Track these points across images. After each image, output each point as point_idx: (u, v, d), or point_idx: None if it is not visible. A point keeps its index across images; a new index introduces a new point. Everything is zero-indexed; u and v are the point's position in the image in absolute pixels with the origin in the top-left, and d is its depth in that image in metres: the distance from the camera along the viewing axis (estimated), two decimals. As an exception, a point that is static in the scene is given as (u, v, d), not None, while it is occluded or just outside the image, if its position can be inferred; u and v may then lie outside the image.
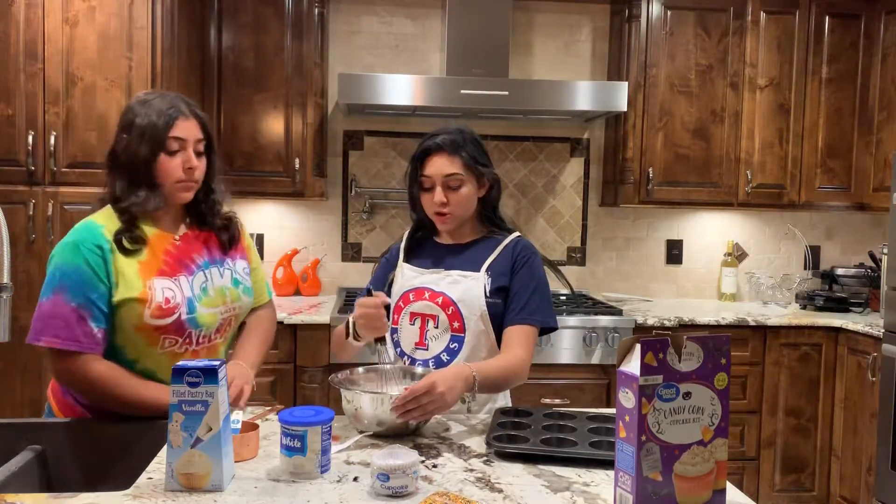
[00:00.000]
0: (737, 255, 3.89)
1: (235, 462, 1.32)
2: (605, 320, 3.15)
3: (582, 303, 3.40)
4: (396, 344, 1.83)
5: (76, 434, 1.57)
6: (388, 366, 1.72)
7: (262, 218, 3.67)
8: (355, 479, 1.29)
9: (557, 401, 3.10)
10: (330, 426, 1.33)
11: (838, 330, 3.29)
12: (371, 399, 1.50)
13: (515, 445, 1.44)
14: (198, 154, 1.62)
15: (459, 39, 3.36)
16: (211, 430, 1.22)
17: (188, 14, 3.07)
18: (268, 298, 1.90)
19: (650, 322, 3.19)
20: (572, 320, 3.12)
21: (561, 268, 3.71)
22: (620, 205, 3.56)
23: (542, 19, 3.74)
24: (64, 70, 2.79)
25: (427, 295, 1.79)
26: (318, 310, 3.20)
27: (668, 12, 3.46)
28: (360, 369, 1.70)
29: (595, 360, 3.14)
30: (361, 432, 1.52)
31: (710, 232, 3.91)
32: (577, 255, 3.85)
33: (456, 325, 1.76)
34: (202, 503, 1.19)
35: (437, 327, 1.77)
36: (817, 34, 3.54)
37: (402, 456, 1.23)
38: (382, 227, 3.73)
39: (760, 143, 3.54)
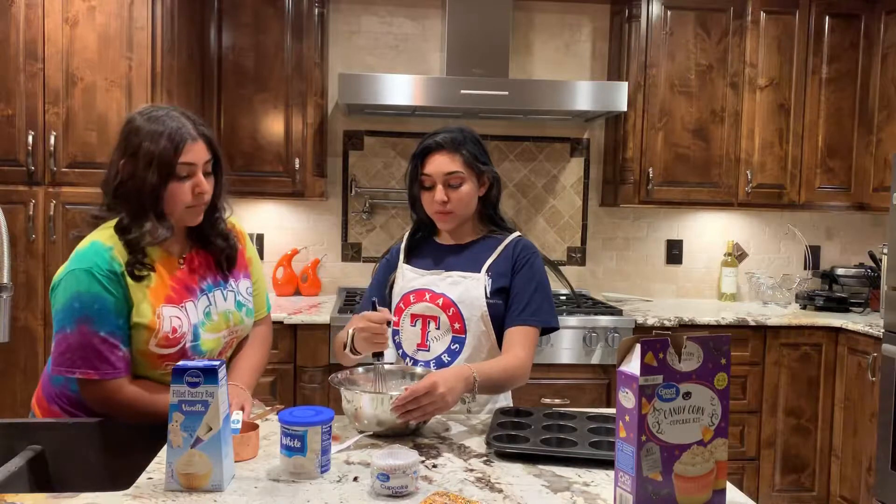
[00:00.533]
0: (737, 255, 3.89)
1: (235, 462, 1.33)
2: (605, 320, 3.15)
3: (582, 303, 3.40)
4: (398, 345, 1.83)
5: (76, 434, 1.57)
6: (389, 365, 1.72)
7: (262, 218, 3.67)
8: (355, 479, 1.29)
9: (557, 401, 3.10)
10: (330, 426, 1.33)
11: (838, 330, 3.29)
12: (371, 399, 1.50)
13: (515, 445, 1.44)
14: (206, 175, 1.58)
15: (459, 39, 3.36)
16: (211, 430, 1.22)
17: (188, 14, 3.07)
18: (266, 313, 1.87)
19: (650, 322, 3.19)
20: (572, 320, 3.12)
21: (561, 268, 3.71)
22: (620, 205, 3.56)
23: (542, 19, 3.74)
24: (64, 70, 2.79)
25: (428, 296, 1.79)
26: (318, 310, 3.20)
27: (668, 12, 3.46)
28: (360, 369, 1.70)
29: (595, 360, 3.14)
30: (361, 432, 1.52)
31: (710, 232, 3.91)
32: (577, 255, 3.85)
33: (457, 326, 1.76)
34: (202, 503, 1.19)
35: (438, 328, 1.77)
36: (817, 34, 3.54)
37: (402, 456, 1.23)
38: (382, 227, 3.73)
39: (760, 143, 3.54)
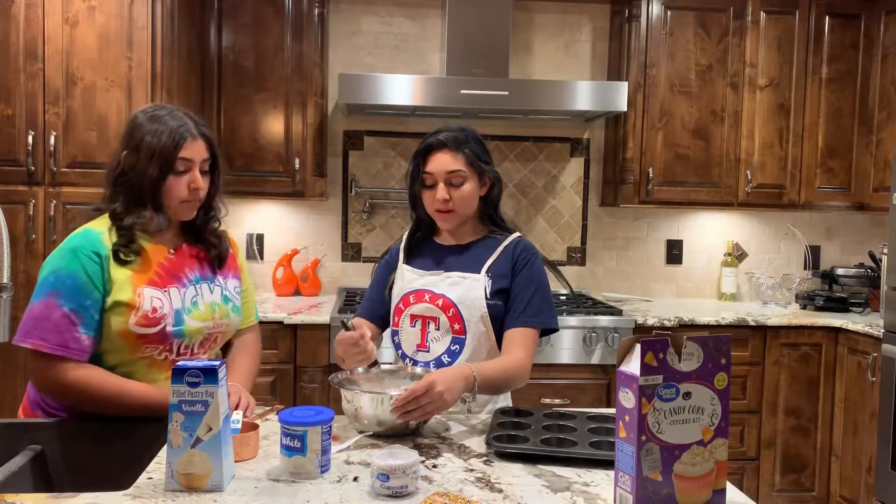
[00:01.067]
0: (737, 255, 3.89)
1: (235, 462, 1.33)
2: (605, 320, 3.15)
3: (582, 303, 3.40)
4: (398, 346, 1.83)
5: (76, 434, 1.57)
6: (388, 365, 1.72)
7: (262, 218, 3.67)
8: (355, 479, 1.29)
9: (557, 401, 3.10)
10: (330, 426, 1.33)
11: (838, 330, 3.29)
12: (371, 399, 1.50)
13: (515, 445, 1.44)
14: (202, 173, 1.64)
15: (459, 39, 3.36)
16: (211, 430, 1.22)
17: (188, 14, 3.07)
18: (255, 321, 1.89)
19: (650, 322, 3.19)
20: (572, 320, 3.12)
21: (561, 268, 3.70)
22: (620, 205, 3.56)
23: (542, 19, 3.74)
24: (64, 70, 2.79)
25: (427, 297, 1.78)
26: (318, 310, 3.20)
27: (668, 12, 3.46)
28: (360, 369, 1.70)
29: (595, 360, 3.14)
30: (361, 432, 1.52)
31: (710, 232, 3.91)
32: (577, 255, 3.85)
33: (457, 326, 1.76)
34: (202, 503, 1.19)
35: (437, 329, 1.77)
36: (817, 34, 3.54)
37: (402, 456, 1.23)
38: (382, 227, 3.73)
39: (760, 143, 3.54)
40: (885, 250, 3.10)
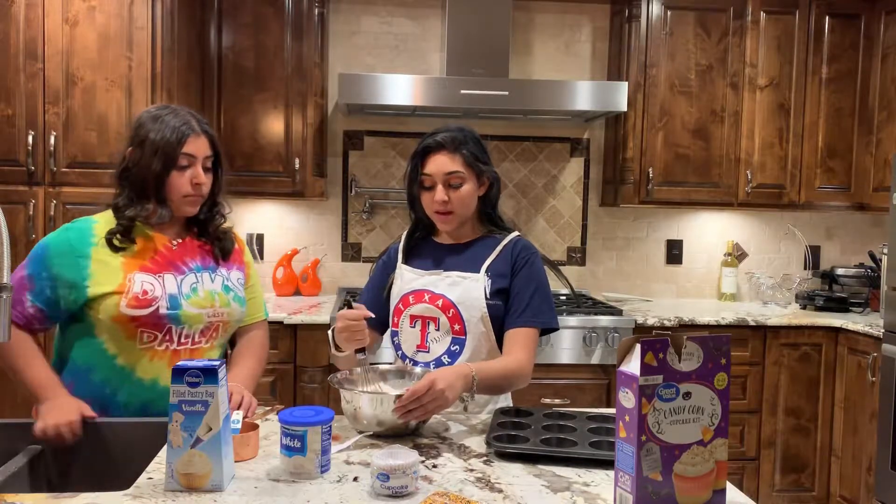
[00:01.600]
0: (737, 255, 3.90)
1: (235, 462, 1.33)
2: (605, 320, 3.15)
3: (582, 303, 3.40)
4: (397, 347, 1.83)
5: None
6: (386, 365, 1.72)
7: (262, 218, 3.67)
8: (355, 479, 1.29)
9: (557, 401, 3.10)
10: (330, 426, 1.33)
11: (838, 330, 3.29)
12: (370, 399, 1.50)
13: (515, 445, 1.44)
14: (205, 170, 1.68)
15: (459, 39, 3.36)
16: (211, 430, 1.22)
17: (188, 14, 3.07)
18: (263, 317, 1.90)
19: (650, 322, 3.19)
20: (572, 320, 3.12)
21: (562, 267, 3.70)
22: (620, 205, 3.56)
23: (542, 19, 3.74)
24: (64, 70, 2.79)
25: (427, 297, 1.78)
26: (318, 310, 3.20)
27: (668, 12, 3.46)
28: (359, 369, 1.70)
29: (595, 360, 3.14)
30: (361, 432, 1.52)
31: (710, 232, 3.91)
32: (577, 255, 3.85)
33: (457, 327, 1.76)
34: (202, 503, 1.19)
35: (437, 330, 1.77)
36: (817, 34, 3.54)
37: (402, 456, 1.23)
38: (382, 227, 3.73)
39: (760, 143, 3.54)
40: (885, 250, 3.10)
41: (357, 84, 3.16)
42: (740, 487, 3.04)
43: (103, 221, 1.65)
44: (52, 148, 2.80)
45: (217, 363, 1.24)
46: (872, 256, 3.66)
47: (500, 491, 1.26)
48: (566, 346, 3.12)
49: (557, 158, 3.80)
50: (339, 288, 3.72)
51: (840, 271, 3.73)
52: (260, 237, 3.68)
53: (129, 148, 1.66)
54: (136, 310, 1.59)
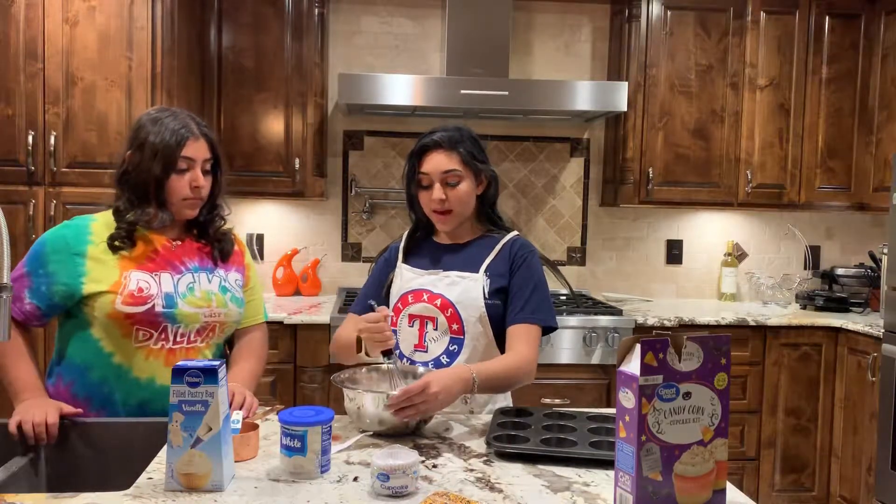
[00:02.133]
0: (737, 255, 3.89)
1: (235, 462, 1.33)
2: (605, 320, 3.15)
3: (582, 303, 3.40)
4: (396, 346, 1.83)
5: (76, 434, 1.57)
6: (389, 366, 1.72)
7: (262, 218, 3.67)
8: (355, 479, 1.29)
9: (557, 401, 3.10)
10: (330, 426, 1.33)
11: (838, 330, 3.29)
12: (373, 398, 1.51)
13: (515, 445, 1.44)
14: (204, 172, 1.69)
15: (459, 39, 3.36)
16: (211, 430, 1.22)
17: (188, 14, 3.07)
18: (262, 319, 1.90)
19: (650, 322, 3.19)
20: (572, 320, 3.12)
21: (562, 268, 3.70)
22: (620, 205, 3.56)
23: (542, 19, 3.74)
24: (64, 70, 2.79)
25: (426, 297, 1.78)
26: (318, 310, 3.20)
27: (668, 12, 3.46)
28: (363, 369, 1.71)
29: (595, 360, 3.14)
30: (363, 431, 1.53)
31: (710, 232, 3.91)
32: (577, 255, 3.85)
33: (455, 327, 1.76)
34: (202, 503, 1.19)
35: (436, 329, 1.77)
36: (817, 34, 3.54)
37: (402, 456, 1.23)
38: (382, 227, 3.73)
39: (760, 143, 3.54)
40: (885, 250, 3.10)
41: (357, 84, 3.16)
42: (740, 487, 3.04)
43: (102, 220, 1.66)
44: (52, 148, 2.80)
45: (217, 363, 1.24)
46: (872, 256, 3.66)
47: (500, 491, 1.26)
48: (566, 346, 3.12)
49: (557, 158, 3.80)
50: (339, 288, 3.72)
51: (840, 271, 3.73)
52: (260, 237, 3.68)
53: (128, 151, 1.67)
54: (132, 307, 1.59)
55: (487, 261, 1.79)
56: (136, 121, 1.71)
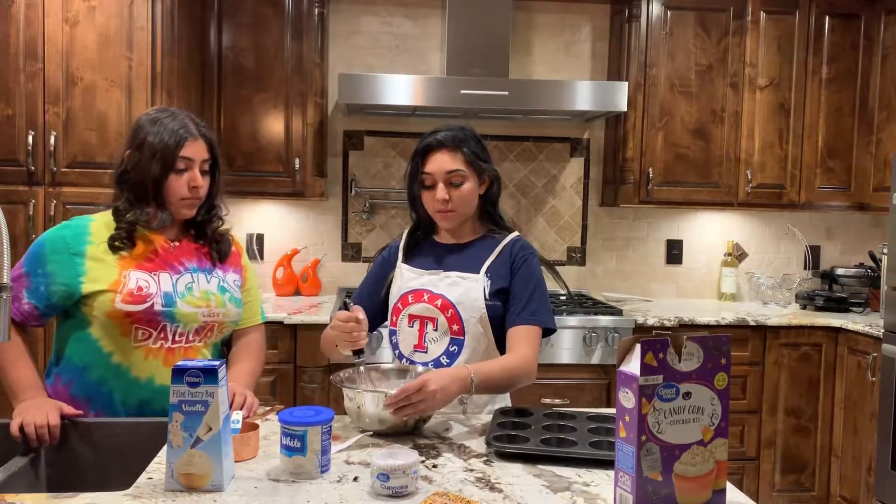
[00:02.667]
0: (737, 255, 3.89)
1: (235, 462, 1.33)
2: (605, 320, 3.15)
3: (582, 303, 3.40)
4: (395, 346, 1.83)
5: (76, 434, 1.57)
6: (389, 365, 1.72)
7: (262, 218, 3.67)
8: (355, 479, 1.29)
9: (557, 401, 3.10)
10: (330, 426, 1.33)
11: (838, 330, 3.29)
12: (373, 397, 1.51)
13: (515, 445, 1.44)
14: (203, 173, 1.69)
15: (459, 39, 3.36)
16: (211, 430, 1.22)
17: (188, 14, 3.07)
18: (260, 321, 1.90)
19: (650, 322, 3.19)
20: (572, 320, 3.12)
21: (562, 267, 3.71)
22: (620, 205, 3.56)
23: (542, 19, 3.74)
24: (64, 70, 2.79)
25: (426, 297, 1.78)
26: (318, 310, 3.20)
27: (668, 12, 3.46)
28: (361, 368, 1.71)
29: (595, 360, 3.14)
30: (363, 431, 1.53)
31: (710, 232, 3.91)
32: (577, 255, 3.85)
33: (455, 327, 1.76)
34: (202, 503, 1.19)
35: (436, 330, 1.77)
36: (817, 34, 3.54)
37: (402, 456, 1.23)
38: (382, 227, 3.73)
39: (760, 143, 3.53)
40: (885, 250, 3.10)
41: (357, 84, 3.16)
42: (740, 487, 3.04)
43: (101, 220, 1.67)
44: (52, 148, 2.79)
45: (217, 363, 1.24)
46: (872, 256, 3.66)
47: (500, 491, 1.26)
48: (566, 346, 3.12)
49: (557, 158, 3.80)
50: (339, 288, 3.72)
51: (840, 271, 3.73)
52: (260, 237, 3.68)
53: (127, 151, 1.67)
54: (131, 305, 1.59)
55: (488, 262, 1.79)
56: (135, 121, 1.71)
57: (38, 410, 1.54)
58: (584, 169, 3.81)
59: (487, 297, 1.75)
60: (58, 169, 2.81)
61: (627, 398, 1.09)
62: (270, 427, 1.53)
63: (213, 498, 1.21)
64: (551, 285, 1.86)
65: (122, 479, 1.35)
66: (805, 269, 3.94)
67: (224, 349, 1.85)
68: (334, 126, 3.68)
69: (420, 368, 1.72)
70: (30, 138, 2.79)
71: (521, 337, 1.73)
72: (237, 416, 1.47)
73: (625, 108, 3.29)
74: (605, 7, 3.74)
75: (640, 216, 3.85)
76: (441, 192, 1.74)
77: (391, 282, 1.88)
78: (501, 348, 1.77)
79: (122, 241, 1.63)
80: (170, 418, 1.22)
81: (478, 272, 1.78)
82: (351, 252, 3.74)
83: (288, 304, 3.34)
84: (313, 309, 3.22)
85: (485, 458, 1.42)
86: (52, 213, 2.80)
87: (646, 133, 3.48)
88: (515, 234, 1.86)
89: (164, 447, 1.30)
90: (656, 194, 3.51)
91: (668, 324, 3.21)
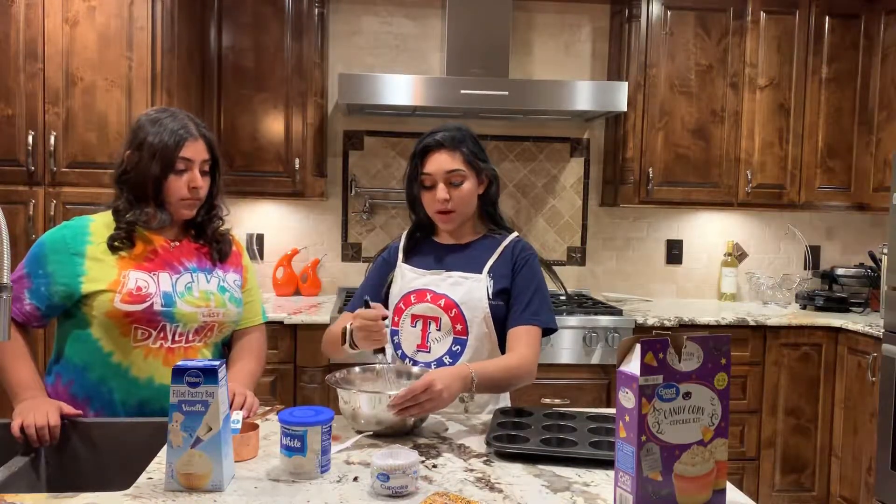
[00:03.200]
0: (737, 255, 3.89)
1: (235, 462, 1.33)
2: (605, 320, 3.15)
3: (582, 303, 3.40)
4: (397, 346, 1.83)
5: (76, 434, 1.57)
6: (385, 365, 1.72)
7: (262, 218, 3.67)
8: (355, 479, 1.29)
9: (557, 401, 3.10)
10: (330, 426, 1.33)
11: (838, 330, 3.29)
12: (369, 399, 1.51)
13: (515, 445, 1.44)
14: (203, 173, 1.69)
15: (459, 39, 3.36)
16: (211, 430, 1.22)
17: (188, 14, 3.07)
18: (261, 321, 1.90)
19: (650, 322, 3.19)
20: (572, 320, 3.12)
21: (562, 267, 3.71)
22: (620, 205, 3.56)
23: (542, 19, 3.74)
24: (64, 70, 2.79)
25: (429, 297, 1.78)
26: (318, 310, 3.20)
27: (668, 12, 3.46)
28: (357, 369, 1.70)
29: (595, 360, 3.14)
30: (360, 432, 1.52)
31: (710, 232, 3.91)
32: (577, 255, 3.85)
33: (458, 327, 1.76)
34: (202, 503, 1.19)
35: (439, 330, 1.77)
36: (817, 34, 3.54)
37: (402, 456, 1.23)
38: (382, 227, 3.73)
39: (760, 143, 3.54)
40: (885, 250, 3.10)
41: (357, 84, 3.16)
42: (740, 487, 3.04)
43: (100, 220, 1.67)
44: (52, 148, 2.79)
45: (217, 363, 1.24)
46: (872, 256, 3.66)
47: (500, 491, 1.26)
48: (566, 346, 3.12)
49: (557, 158, 3.80)
50: (338, 288, 3.72)
51: (840, 271, 3.73)
52: (260, 237, 3.68)
53: (127, 151, 1.67)
54: (130, 305, 1.60)
55: (490, 262, 1.79)
56: (135, 121, 1.71)
57: (38, 410, 1.54)
58: (584, 169, 3.81)
59: (491, 296, 1.75)
60: (58, 169, 2.81)
61: (627, 398, 1.09)
62: (270, 427, 1.53)
63: (213, 498, 1.21)
64: (550, 286, 1.86)
65: (122, 479, 1.35)
66: (805, 269, 3.94)
67: (225, 349, 1.85)
68: (334, 126, 3.68)
69: (415, 369, 1.72)
70: (30, 138, 2.79)
71: (521, 337, 1.73)
72: (237, 416, 1.47)
73: (625, 108, 3.29)
74: (605, 7, 3.74)
75: (640, 216, 3.85)
76: (441, 191, 1.74)
77: (391, 282, 1.88)
78: (503, 348, 1.77)
79: (121, 241, 1.64)
80: (170, 418, 1.22)
81: (480, 272, 1.78)
82: (351, 252, 3.74)
83: (288, 304, 3.34)
84: (313, 309, 3.21)
85: (485, 458, 1.42)
86: (52, 213, 2.80)
87: (646, 133, 3.48)
88: (515, 234, 1.86)
89: (164, 447, 1.30)
90: (656, 194, 3.51)
91: (668, 324, 3.21)
